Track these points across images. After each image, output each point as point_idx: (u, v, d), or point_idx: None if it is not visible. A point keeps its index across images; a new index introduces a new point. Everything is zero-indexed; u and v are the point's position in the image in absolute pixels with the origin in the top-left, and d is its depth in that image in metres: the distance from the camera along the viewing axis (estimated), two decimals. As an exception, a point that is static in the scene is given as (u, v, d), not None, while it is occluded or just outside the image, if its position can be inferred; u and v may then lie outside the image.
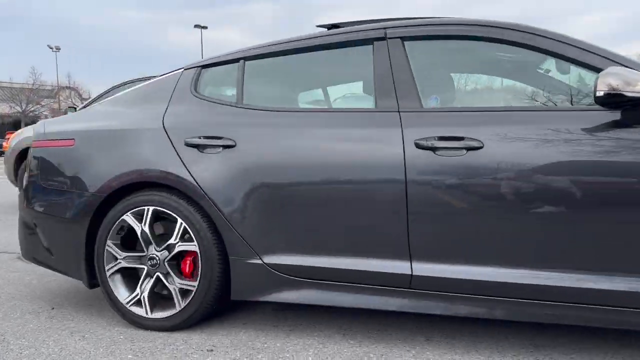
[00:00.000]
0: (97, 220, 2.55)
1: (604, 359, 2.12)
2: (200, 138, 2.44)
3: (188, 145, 2.44)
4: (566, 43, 2.11)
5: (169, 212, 2.44)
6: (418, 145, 2.12)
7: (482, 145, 2.05)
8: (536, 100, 2.38)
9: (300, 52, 2.54)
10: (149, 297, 2.49)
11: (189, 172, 2.40)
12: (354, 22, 2.62)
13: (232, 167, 2.36)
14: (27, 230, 2.81)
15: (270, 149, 2.34)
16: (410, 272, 2.14)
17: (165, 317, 2.46)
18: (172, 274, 2.47)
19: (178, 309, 2.44)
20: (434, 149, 2.10)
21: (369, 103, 2.42)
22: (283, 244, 2.32)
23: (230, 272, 2.38)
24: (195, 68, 2.68)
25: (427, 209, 2.11)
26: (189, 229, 2.41)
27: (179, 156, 2.44)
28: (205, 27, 37.44)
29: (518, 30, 2.19)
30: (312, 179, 2.27)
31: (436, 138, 2.11)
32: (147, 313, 2.48)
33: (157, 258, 2.48)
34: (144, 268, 2.50)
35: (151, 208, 2.46)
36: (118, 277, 2.55)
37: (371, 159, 2.20)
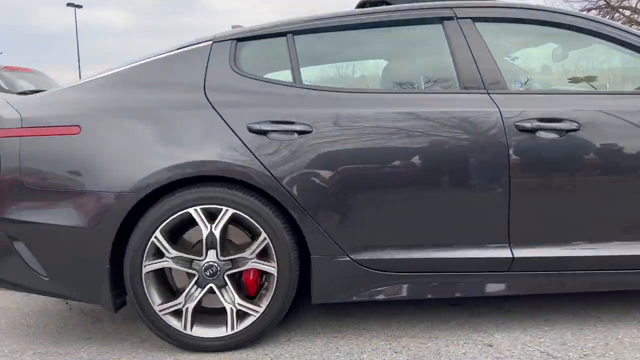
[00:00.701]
0: (125, 226, 2.03)
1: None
2: (267, 123, 2.07)
3: (252, 131, 2.05)
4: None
5: (251, 220, 2.04)
6: (518, 127, 2.10)
7: (579, 127, 2.10)
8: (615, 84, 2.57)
9: (357, 28, 2.35)
10: (193, 310, 2.06)
11: (261, 163, 2.03)
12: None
13: (312, 156, 2.07)
14: (8, 250, 2.09)
15: (354, 136, 2.09)
16: (511, 256, 2.12)
17: (208, 338, 2.08)
18: (231, 289, 2.08)
19: (229, 332, 2.08)
20: (534, 130, 2.09)
21: (449, 85, 2.31)
22: (374, 238, 2.12)
23: (310, 278, 2.11)
24: (230, 41, 2.25)
25: (529, 192, 2.11)
26: (271, 245, 2.05)
27: (244, 144, 2.04)
28: (79, 6, 34.07)
29: (583, 18, 2.31)
30: (403, 167, 2.10)
31: (537, 120, 2.10)
32: (184, 328, 2.07)
33: (217, 267, 2.05)
34: (194, 275, 2.06)
35: (230, 211, 2.03)
36: (152, 277, 2.08)
37: (471, 143, 2.10)
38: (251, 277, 2.15)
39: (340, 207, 2.09)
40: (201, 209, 2.02)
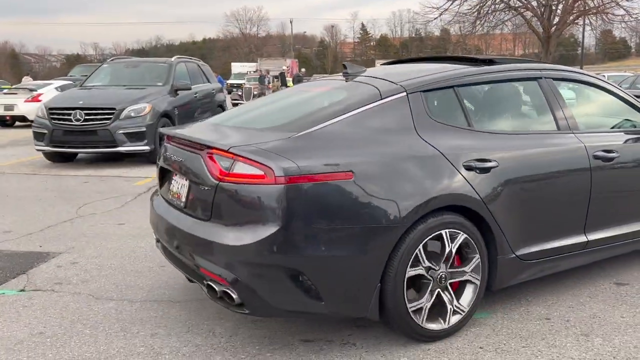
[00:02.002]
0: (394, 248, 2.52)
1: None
2: (473, 161, 2.74)
3: (466, 168, 2.72)
4: None
5: (472, 242, 2.74)
6: (595, 157, 3.17)
7: (619, 154, 3.26)
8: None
9: (492, 82, 3.23)
10: (429, 308, 2.67)
11: (476, 192, 2.71)
12: (509, 58, 3.61)
13: (500, 184, 2.80)
14: (282, 282, 2.39)
15: (520, 166, 2.90)
16: (586, 240, 3.21)
17: (433, 330, 2.70)
18: (451, 293, 2.74)
19: (445, 325, 2.73)
20: (602, 158, 3.19)
21: (549, 125, 3.24)
22: (527, 238, 2.95)
23: (495, 272, 2.87)
24: (418, 93, 2.83)
25: (599, 198, 3.19)
26: (481, 261, 2.79)
27: (465, 179, 2.70)
28: None
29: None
30: (549, 185, 3.02)
31: (602, 150, 3.21)
32: (421, 322, 2.66)
33: (445, 277, 2.70)
34: (429, 281, 2.66)
35: (463, 235, 2.70)
36: (405, 284, 2.58)
37: (574, 169, 3.11)
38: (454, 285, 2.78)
39: (513, 219, 2.86)
40: (447, 231, 2.64)
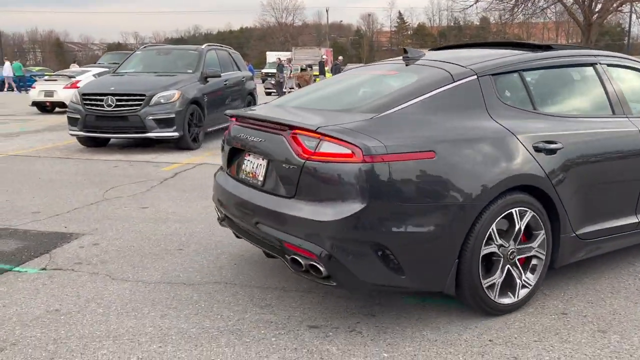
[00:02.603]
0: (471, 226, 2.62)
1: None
2: (541, 143, 2.83)
3: (535, 149, 2.81)
4: None
5: (539, 220, 2.85)
6: None
7: None
8: None
9: (553, 68, 3.27)
10: (501, 284, 2.79)
11: (545, 172, 2.81)
12: (565, 45, 3.60)
13: (564, 165, 2.89)
14: (368, 256, 2.48)
15: (582, 148, 2.99)
16: (637, 220, 3.33)
17: (505, 303, 2.83)
18: (520, 269, 2.86)
19: (514, 299, 2.86)
20: None
21: (604, 108, 3.32)
22: (586, 217, 3.05)
23: (558, 250, 2.98)
24: (488, 76, 2.91)
25: None
26: (546, 237, 2.89)
27: (535, 159, 2.79)
28: None
29: None
30: (606, 166, 3.11)
31: None
32: (495, 297, 2.78)
33: (515, 253, 2.82)
34: (501, 258, 2.77)
35: (531, 213, 2.80)
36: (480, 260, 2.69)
37: (629, 152, 3.20)
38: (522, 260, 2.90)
39: (575, 199, 2.95)
40: (518, 209, 2.74)
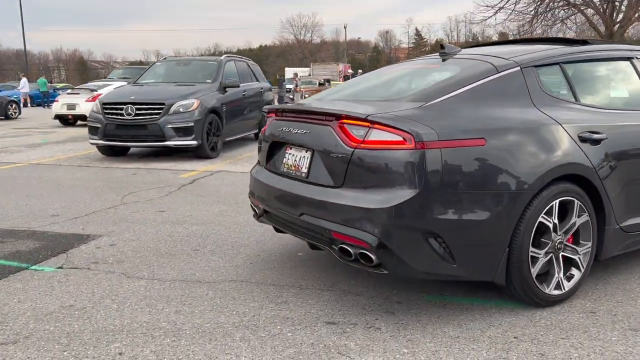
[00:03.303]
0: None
1: None
2: (587, 133, 2.82)
3: (581, 139, 2.80)
4: None
5: (585, 209, 2.82)
6: None
7: None
8: None
9: (592, 61, 3.25)
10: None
11: (590, 162, 2.79)
12: (600, 40, 3.67)
13: (609, 156, 2.87)
14: (420, 244, 2.45)
15: (626, 140, 2.98)
16: None
17: (554, 295, 2.78)
18: (572, 246, 2.84)
19: (566, 289, 2.83)
20: None
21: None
22: (629, 210, 3.01)
23: (603, 242, 2.93)
24: (530, 67, 2.90)
25: None
26: (590, 224, 2.84)
27: (581, 149, 2.78)
28: None
29: None
30: None
31: None
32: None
33: (562, 243, 2.79)
34: (550, 248, 2.74)
35: (578, 203, 2.78)
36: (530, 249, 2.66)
37: None
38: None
39: (619, 190, 2.92)
40: (561, 199, 2.69)
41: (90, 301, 2.98)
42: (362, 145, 2.51)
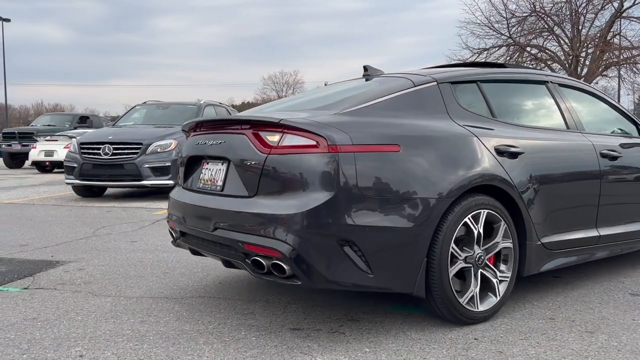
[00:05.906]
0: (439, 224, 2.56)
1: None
2: (503, 146, 2.89)
3: (497, 152, 2.85)
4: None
5: (497, 215, 2.78)
6: (602, 154, 3.41)
7: (621, 155, 3.54)
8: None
9: (507, 82, 3.42)
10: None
11: (508, 175, 2.83)
12: (518, 65, 4.12)
13: (527, 170, 2.94)
14: (334, 252, 2.36)
15: (542, 155, 3.08)
16: (598, 234, 3.37)
17: (485, 310, 2.74)
18: (493, 268, 2.79)
19: (497, 298, 2.78)
20: (607, 156, 3.43)
21: (559, 123, 3.46)
22: (551, 227, 3.05)
23: (525, 257, 2.93)
24: (447, 83, 2.99)
25: (611, 189, 3.43)
26: (508, 230, 2.83)
27: (498, 161, 2.82)
28: (7, 20, 36.29)
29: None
30: (568, 176, 3.21)
31: (606, 149, 3.45)
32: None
33: (482, 256, 2.73)
34: (470, 267, 2.69)
35: (485, 211, 2.72)
36: (453, 276, 2.62)
37: (584, 163, 3.31)
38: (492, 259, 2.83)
39: (539, 205, 2.97)
40: (483, 211, 2.70)
41: (54, 315, 2.95)
42: (275, 150, 2.46)
